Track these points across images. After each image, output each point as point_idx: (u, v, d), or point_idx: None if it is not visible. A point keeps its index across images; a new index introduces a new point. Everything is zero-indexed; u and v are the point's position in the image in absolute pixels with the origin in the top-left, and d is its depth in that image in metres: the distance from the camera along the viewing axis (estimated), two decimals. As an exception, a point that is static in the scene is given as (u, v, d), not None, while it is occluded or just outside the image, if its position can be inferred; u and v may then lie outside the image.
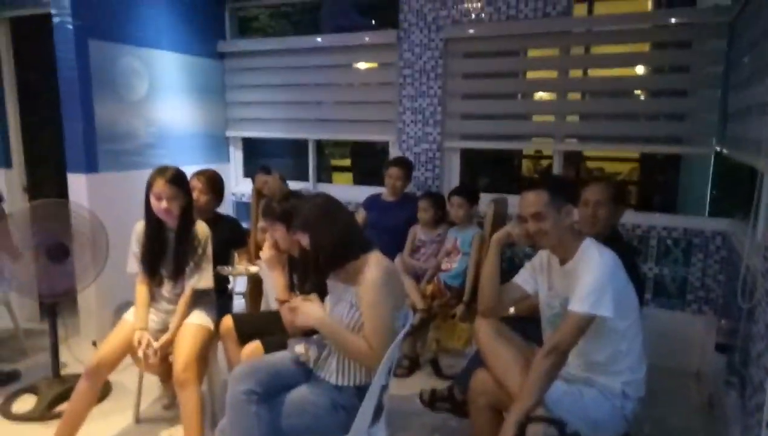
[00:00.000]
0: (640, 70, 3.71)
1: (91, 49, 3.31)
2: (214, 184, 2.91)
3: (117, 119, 3.53)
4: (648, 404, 2.15)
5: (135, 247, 2.42)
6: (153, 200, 2.29)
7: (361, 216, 3.65)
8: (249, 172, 4.67)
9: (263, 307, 3.19)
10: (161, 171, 2.32)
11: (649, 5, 5.47)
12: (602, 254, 1.80)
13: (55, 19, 3.24)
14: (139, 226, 2.42)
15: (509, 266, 3.46)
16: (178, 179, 2.32)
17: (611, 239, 2.17)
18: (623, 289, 1.80)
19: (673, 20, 3.25)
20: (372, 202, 3.68)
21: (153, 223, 2.35)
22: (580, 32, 3.49)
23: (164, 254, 2.38)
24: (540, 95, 3.82)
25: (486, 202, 3.26)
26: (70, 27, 3.21)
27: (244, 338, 2.33)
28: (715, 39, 3.12)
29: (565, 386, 1.85)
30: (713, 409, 2.63)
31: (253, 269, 2.80)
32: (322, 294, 1.96)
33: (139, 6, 3.65)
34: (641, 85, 3.60)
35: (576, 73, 3.72)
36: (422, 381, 3.05)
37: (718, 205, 3.41)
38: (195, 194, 2.76)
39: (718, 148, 3.15)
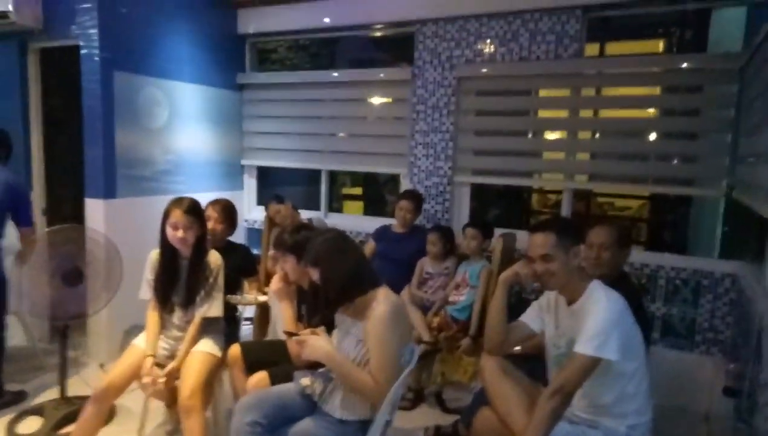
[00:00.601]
0: (651, 111, 3.75)
1: (116, 80, 3.44)
2: (229, 213, 2.97)
3: (136, 146, 3.63)
4: (655, 447, 2.14)
5: (149, 274, 2.47)
6: (169, 230, 2.35)
7: (370, 247, 3.68)
8: (262, 199, 4.75)
9: (270, 334, 3.21)
10: (178, 201, 2.39)
11: (660, 47, 5.55)
12: (609, 296, 1.82)
13: (83, 51, 3.38)
14: (154, 254, 2.48)
15: (517, 300, 3.46)
16: (194, 210, 2.38)
17: (618, 280, 2.18)
18: (629, 332, 1.81)
19: (683, 65, 3.31)
20: (381, 234, 3.72)
21: (167, 251, 2.41)
22: (592, 74, 3.55)
23: (177, 282, 2.43)
24: (551, 134, 3.87)
25: (495, 236, 3.29)
26: (97, 59, 3.34)
27: (251, 367, 2.35)
28: (725, 84, 3.16)
29: (569, 427, 1.85)
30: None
31: (263, 298, 2.83)
32: (330, 327, 1.98)
33: (162, 39, 3.79)
34: (652, 127, 3.64)
35: (587, 113, 3.77)
36: (426, 414, 3.03)
37: (728, 247, 3.40)
38: (210, 224, 2.83)
39: (728, 192, 3.17)
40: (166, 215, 2.37)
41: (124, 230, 3.35)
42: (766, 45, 2.41)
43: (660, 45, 5.61)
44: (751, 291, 2.46)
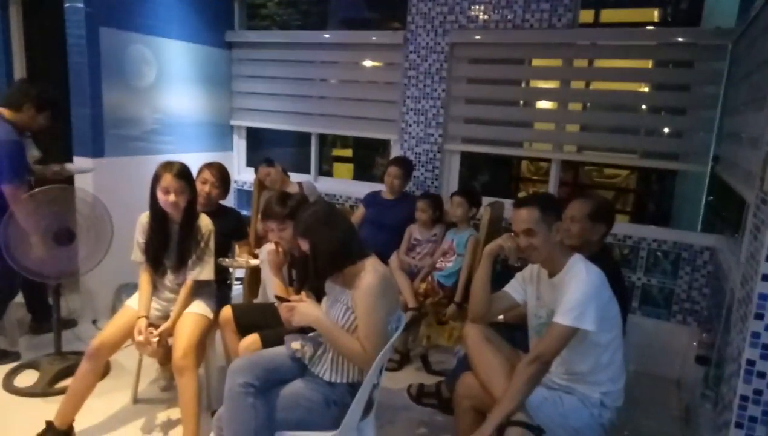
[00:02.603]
0: (641, 85, 3.77)
1: (102, 36, 3.36)
2: (224, 177, 2.99)
3: (124, 105, 3.59)
4: (628, 410, 2.26)
5: (140, 237, 2.50)
6: (160, 194, 2.36)
7: (360, 212, 3.72)
8: (251, 161, 4.74)
9: (261, 296, 3.28)
10: (168, 165, 2.39)
11: (655, 16, 5.50)
12: (589, 270, 1.89)
13: (67, 5, 3.29)
14: (144, 217, 2.50)
15: (503, 269, 3.55)
16: (184, 174, 2.39)
17: (598, 254, 2.25)
18: (607, 304, 1.89)
19: (676, 39, 3.30)
20: (371, 199, 3.75)
21: (158, 215, 2.43)
22: (585, 45, 3.54)
23: (168, 245, 2.47)
24: (542, 104, 3.88)
25: (483, 205, 3.34)
26: (82, 13, 3.25)
27: (242, 329, 2.42)
28: (715, 60, 3.18)
29: (546, 393, 1.95)
30: (690, 419, 2.74)
31: (254, 261, 2.88)
32: (320, 294, 2.04)
33: (149, -6, 3.69)
34: (642, 100, 3.66)
35: (578, 84, 3.77)
36: (411, 376, 3.15)
37: (710, 221, 3.49)
38: (207, 187, 2.86)
39: (712, 167, 3.23)
40: (156, 179, 2.37)
41: (114, 189, 3.35)
42: (757, 24, 2.42)
43: (654, 14, 5.56)
44: (726, 265, 2.56)
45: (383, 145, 4.24)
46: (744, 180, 2.17)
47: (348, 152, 7.63)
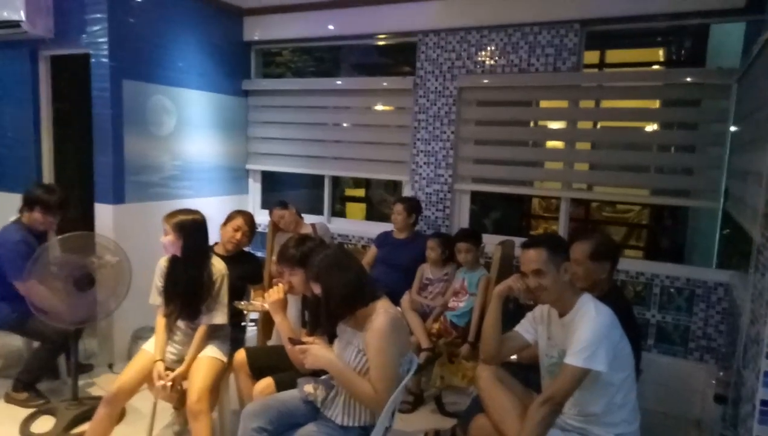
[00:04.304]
0: (649, 124, 3.82)
1: (125, 87, 3.53)
2: (253, 224, 3.12)
3: (145, 153, 3.73)
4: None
5: (158, 281, 2.57)
6: (162, 237, 2.48)
7: (372, 253, 3.77)
8: (266, 203, 4.84)
9: (274, 338, 3.30)
10: (169, 213, 2.53)
11: (660, 56, 5.61)
12: (598, 309, 1.90)
13: (93, 60, 3.48)
14: (163, 261, 2.58)
15: (515, 308, 3.54)
16: (175, 223, 2.48)
17: (608, 293, 2.26)
18: (618, 344, 1.89)
19: (680, 79, 3.37)
20: (383, 240, 3.80)
21: (173, 259, 2.50)
22: (590, 86, 3.62)
23: (181, 288, 2.52)
24: (550, 144, 3.95)
25: (494, 243, 3.37)
26: (107, 67, 3.43)
27: (256, 372, 2.44)
28: (721, 99, 3.23)
29: (561, 435, 1.94)
30: (710, 461, 2.67)
31: (267, 306, 2.91)
32: (332, 337, 2.07)
33: (170, 48, 3.88)
34: (650, 138, 3.71)
35: (586, 124, 3.84)
36: (426, 417, 3.12)
37: (724, 257, 3.47)
38: (239, 235, 2.98)
39: (723, 204, 3.24)
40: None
41: (133, 234, 3.45)
42: (758, 64, 2.48)
43: (660, 54, 5.67)
44: (740, 301, 2.54)
45: (395, 185, 4.32)
46: (751, 217, 2.19)
47: (360, 192, 7.74)
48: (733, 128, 3.17)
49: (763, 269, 1.73)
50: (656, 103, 3.81)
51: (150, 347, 2.55)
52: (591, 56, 5.19)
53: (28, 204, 3.09)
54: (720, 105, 3.25)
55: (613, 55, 5.41)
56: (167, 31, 3.85)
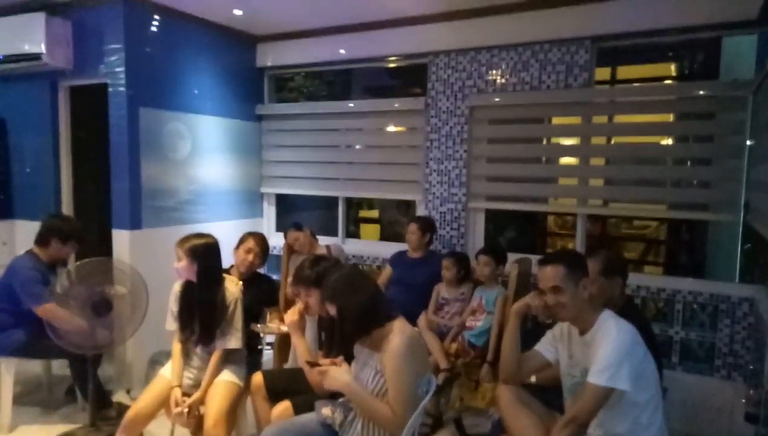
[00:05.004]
0: (664, 138, 3.79)
1: (141, 115, 3.60)
2: (266, 246, 3.13)
3: (161, 178, 3.78)
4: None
5: (173, 306, 2.58)
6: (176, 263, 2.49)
7: (386, 273, 3.75)
8: (280, 226, 4.86)
9: (291, 362, 3.28)
10: (181, 238, 2.55)
11: (672, 70, 5.58)
12: (620, 326, 1.86)
13: (111, 89, 3.56)
14: (177, 286, 2.60)
15: (534, 326, 3.49)
16: (188, 248, 2.50)
17: (623, 310, 2.21)
18: (642, 361, 1.84)
19: (694, 93, 3.35)
20: (397, 260, 3.78)
21: (186, 284, 2.51)
22: (602, 102, 3.61)
23: (196, 313, 2.53)
24: (564, 160, 3.92)
25: (510, 261, 3.34)
26: (124, 96, 3.51)
27: (273, 395, 2.42)
28: (736, 111, 3.20)
29: (586, 457, 1.88)
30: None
31: (285, 328, 2.90)
32: (348, 358, 2.05)
33: (185, 76, 3.97)
34: (665, 152, 3.68)
35: (600, 139, 3.82)
36: (445, 441, 3.06)
37: (748, 271, 3.39)
38: (251, 257, 3.00)
39: (743, 217, 3.18)
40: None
41: (149, 259, 3.47)
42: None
43: (672, 68, 5.64)
44: (766, 315, 2.47)
45: (407, 205, 4.33)
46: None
47: (374, 213, 7.74)
48: (750, 141, 3.13)
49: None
50: (670, 117, 3.77)
51: (167, 373, 2.54)
52: (603, 73, 5.18)
53: (44, 238, 3.14)
54: (736, 117, 3.21)
55: (625, 72, 5.39)
56: (182, 59, 3.94)
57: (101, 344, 2.86)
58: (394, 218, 7.14)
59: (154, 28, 3.72)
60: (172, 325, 2.59)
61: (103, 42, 3.59)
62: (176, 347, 2.56)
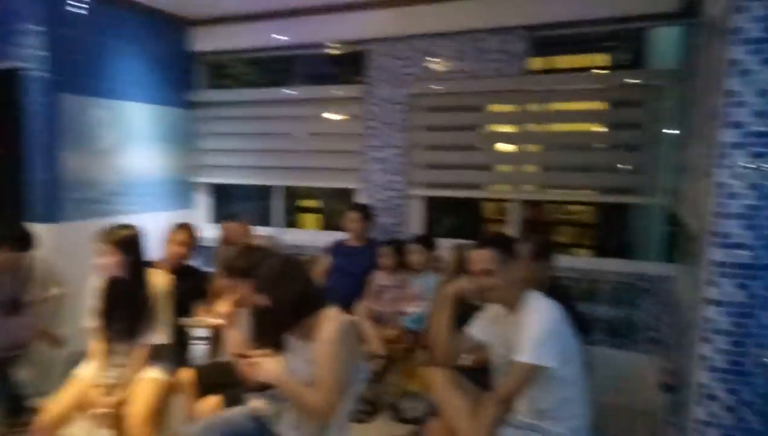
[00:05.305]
0: (596, 125, 3.93)
1: (62, 102, 3.39)
2: (195, 237, 2.99)
3: (84, 169, 3.57)
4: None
5: (92, 302, 2.44)
6: (96, 258, 2.34)
7: (324, 262, 3.72)
8: (216, 217, 4.72)
9: (225, 354, 3.19)
10: (104, 231, 2.38)
11: (604, 60, 5.81)
12: (547, 307, 1.92)
13: (27, 73, 3.31)
14: (96, 281, 2.46)
15: (468, 310, 3.55)
16: (116, 240, 2.36)
17: (552, 291, 2.28)
18: (566, 339, 1.91)
19: (623, 81, 3.48)
20: (336, 248, 3.76)
21: (112, 278, 2.39)
22: (537, 90, 3.70)
23: (118, 309, 2.41)
24: (501, 147, 4.00)
25: (448, 247, 3.37)
26: (42, 82, 3.28)
27: (204, 390, 2.35)
28: (662, 99, 3.34)
29: (514, 432, 1.93)
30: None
31: (215, 320, 2.82)
32: (281, 348, 2.01)
33: (110, 60, 3.75)
34: (597, 139, 3.82)
35: (535, 127, 3.92)
36: (384, 426, 3.07)
37: (669, 252, 3.58)
38: (178, 248, 2.88)
39: (666, 200, 3.35)
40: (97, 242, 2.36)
41: (72, 254, 3.26)
42: (692, 64, 2.58)
43: (603, 58, 5.87)
44: (681, 292, 2.62)
45: (348, 194, 4.31)
46: (689, 211, 2.26)
47: (314, 203, 7.67)
48: (672, 128, 3.28)
49: (698, 258, 1.79)
50: (601, 105, 3.92)
51: (84, 373, 2.41)
52: (538, 63, 5.32)
53: None
54: (661, 105, 3.35)
55: (560, 61, 5.57)
56: (107, 43, 3.72)
57: (13, 345, 2.67)
58: (335, 208, 7.09)
59: (76, 9, 3.49)
60: (91, 322, 2.45)
61: (17, 23, 3.33)
62: (95, 346, 2.43)
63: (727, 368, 1.55)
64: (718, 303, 1.57)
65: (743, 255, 1.57)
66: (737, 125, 1.56)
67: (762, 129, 1.54)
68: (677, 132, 3.23)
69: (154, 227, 2.91)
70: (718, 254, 1.59)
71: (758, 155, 1.54)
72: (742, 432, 1.55)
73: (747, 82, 1.54)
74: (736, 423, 1.55)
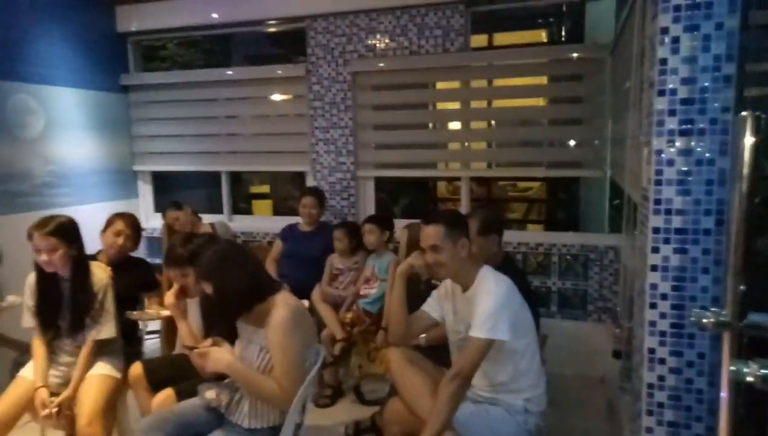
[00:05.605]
0: (540, 100, 3.99)
1: (-22, 87, 3.13)
2: (137, 227, 2.83)
3: (9, 160, 3.34)
4: (556, 412, 2.31)
5: (29, 300, 2.29)
6: (34, 254, 2.19)
7: (277, 247, 3.64)
8: (160, 206, 4.53)
9: (177, 346, 3.09)
10: (38, 223, 2.22)
11: (543, 37, 5.91)
12: (498, 280, 1.93)
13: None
14: (31, 278, 2.31)
15: (426, 288, 3.57)
16: (56, 230, 2.21)
17: (502, 265, 2.31)
18: (518, 311, 1.93)
19: (561, 55, 3.53)
20: (288, 233, 3.68)
21: (44, 274, 2.24)
22: (480, 66, 3.71)
23: (60, 305, 2.28)
24: (449, 125, 4.01)
25: (401, 227, 3.37)
26: (-48, 65, 3.02)
27: (155, 385, 2.26)
28: (598, 72, 3.41)
29: (473, 407, 1.95)
30: (612, 413, 2.84)
31: (165, 312, 2.71)
32: (232, 337, 1.95)
33: (31, 42, 3.49)
34: (540, 114, 3.88)
35: (480, 103, 3.94)
36: (346, 409, 3.06)
37: (615, 222, 3.71)
38: (120, 239, 2.70)
39: (609, 172, 3.45)
40: (29, 238, 2.20)
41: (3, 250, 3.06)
42: (623, 36, 2.64)
43: (543, 34, 5.97)
44: (627, 261, 2.71)
45: (300, 177, 4.22)
46: (629, 181, 2.32)
47: (266, 189, 7.51)
48: (609, 100, 3.37)
49: (642, 226, 1.84)
50: (543, 80, 3.97)
51: (27, 374, 2.27)
52: (480, 40, 5.35)
53: None
54: (598, 78, 3.43)
55: (501, 38, 5.63)
56: (26, 23, 3.46)
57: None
58: (287, 193, 6.97)
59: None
60: (29, 322, 2.30)
61: None
62: (37, 344, 2.28)
63: (671, 332, 1.61)
64: (662, 269, 1.62)
65: (682, 220, 1.61)
66: (671, 93, 1.59)
67: (689, 96, 1.58)
68: (612, 103, 3.31)
69: (93, 220, 2.75)
70: (658, 221, 1.63)
71: (687, 122, 1.58)
72: (690, 393, 1.62)
73: (674, 50, 1.58)
74: (684, 385, 1.62)
